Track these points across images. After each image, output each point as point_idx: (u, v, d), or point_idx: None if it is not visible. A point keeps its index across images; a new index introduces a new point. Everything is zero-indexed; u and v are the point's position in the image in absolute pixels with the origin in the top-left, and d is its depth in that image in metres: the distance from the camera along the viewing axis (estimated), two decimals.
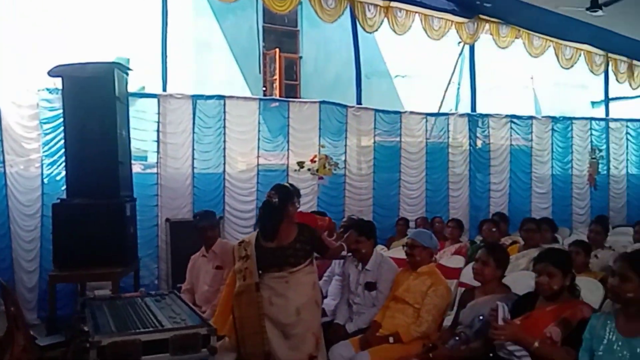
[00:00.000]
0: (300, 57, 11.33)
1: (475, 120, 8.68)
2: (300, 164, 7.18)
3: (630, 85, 9.73)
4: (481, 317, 3.20)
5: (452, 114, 8.78)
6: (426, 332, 3.54)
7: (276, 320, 3.29)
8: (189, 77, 9.59)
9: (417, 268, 3.82)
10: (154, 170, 6.61)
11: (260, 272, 3.35)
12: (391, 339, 3.52)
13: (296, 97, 9.88)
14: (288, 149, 7.24)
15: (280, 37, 11.25)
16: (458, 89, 10.45)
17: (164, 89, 6.74)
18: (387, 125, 8.04)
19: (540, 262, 2.92)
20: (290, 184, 3.82)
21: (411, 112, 8.39)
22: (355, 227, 4.19)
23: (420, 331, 3.53)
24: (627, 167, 9.64)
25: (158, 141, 6.56)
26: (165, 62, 6.80)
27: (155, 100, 6.58)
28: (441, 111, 9.14)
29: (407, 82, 11.16)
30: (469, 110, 8.91)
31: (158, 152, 6.57)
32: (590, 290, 3.68)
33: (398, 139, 8.14)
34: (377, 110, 7.99)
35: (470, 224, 8.10)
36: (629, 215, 9.35)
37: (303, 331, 3.29)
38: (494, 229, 5.66)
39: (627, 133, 9.63)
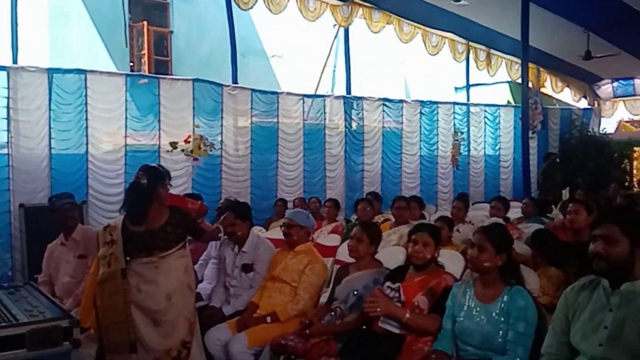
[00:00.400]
0: (171, 32, 10.81)
1: (350, 102, 8.89)
2: (173, 145, 6.86)
3: (488, 72, 10.56)
4: (355, 292, 3.28)
5: (329, 95, 8.92)
6: (303, 310, 3.55)
7: (145, 308, 3.09)
8: (44, 49, 8.72)
9: (294, 247, 3.83)
10: (4, 151, 5.92)
11: (127, 258, 3.12)
12: (268, 319, 3.49)
13: (167, 74, 9.43)
14: (159, 129, 6.87)
15: (148, 9, 10.62)
16: (334, 71, 10.63)
17: (15, 61, 6.05)
18: (264, 106, 7.95)
19: (418, 231, 3.06)
20: (160, 165, 3.59)
21: (288, 93, 8.38)
22: (231, 209, 4.08)
23: (297, 309, 3.54)
24: (484, 148, 10.49)
25: (8, 118, 5.88)
26: (16, 32, 6.10)
27: (5, 73, 5.88)
28: (318, 93, 9.23)
29: (284, 62, 11.12)
30: (344, 93, 9.10)
31: (8, 130, 5.89)
32: (452, 261, 3.92)
33: (275, 119, 8.10)
34: (254, 90, 7.86)
35: (346, 204, 8.33)
36: (486, 192, 10.21)
37: (175, 317, 3.13)
38: (368, 208, 5.83)
39: (485, 117, 10.46)
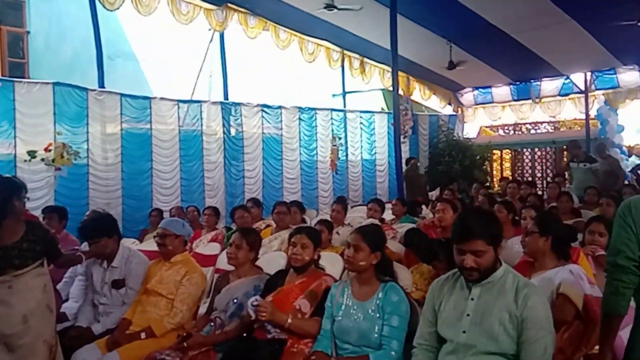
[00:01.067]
0: (28, 32, 9.92)
1: (228, 108, 8.76)
2: (32, 154, 6.26)
3: (363, 80, 10.98)
4: (235, 300, 3.18)
5: (205, 101, 8.71)
6: (181, 323, 3.38)
7: None
8: None
9: (170, 258, 3.63)
10: None
11: None
12: (143, 335, 3.27)
13: (24, 77, 8.64)
14: (15, 137, 6.26)
15: (1, 8, 9.65)
16: (210, 76, 10.42)
17: None
18: (135, 112, 7.57)
19: (297, 234, 3.05)
20: (14, 176, 3.25)
21: (162, 98, 8.06)
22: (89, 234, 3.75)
23: (174, 322, 3.35)
24: (361, 153, 10.88)
25: None
26: None
27: None
28: (194, 98, 8.98)
29: (157, 66, 10.67)
30: (222, 99, 8.94)
31: None
32: (332, 263, 3.97)
33: (148, 126, 7.74)
34: (123, 95, 7.46)
35: (226, 211, 8.17)
36: (364, 195, 10.59)
37: (32, 340, 2.82)
38: (245, 215, 5.76)
39: (360, 123, 10.85)
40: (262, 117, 9.25)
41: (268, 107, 9.39)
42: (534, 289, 2.27)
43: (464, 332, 2.25)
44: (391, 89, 9.58)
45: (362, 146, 10.90)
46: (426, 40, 9.38)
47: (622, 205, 2.22)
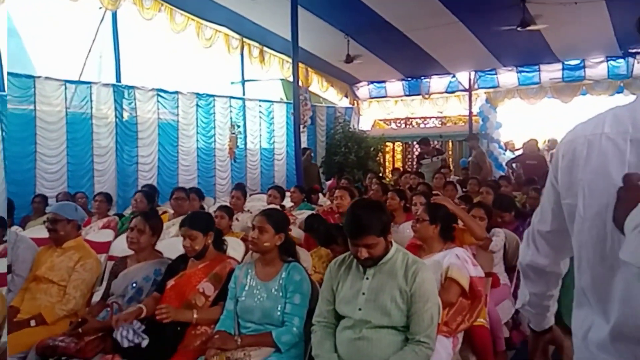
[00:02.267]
0: None
1: (120, 91, 8.37)
2: None
3: (262, 68, 10.97)
4: (134, 284, 3.13)
5: (95, 83, 8.24)
6: (74, 309, 3.25)
7: None
8: None
9: (62, 243, 3.48)
10: None
11: None
12: (33, 322, 3.11)
13: None
14: None
15: None
16: (100, 57, 9.87)
17: None
18: (18, 91, 7.02)
19: (181, 226, 3.05)
20: None
21: (47, 78, 7.52)
22: None
23: (67, 309, 3.22)
24: (260, 142, 10.90)
25: None
26: None
27: None
28: (82, 79, 8.46)
29: (42, 44, 9.92)
30: (114, 81, 8.52)
31: None
32: (234, 248, 4.01)
33: (32, 106, 7.21)
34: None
35: (118, 197, 7.84)
36: (262, 183, 10.64)
37: None
38: (139, 200, 5.61)
39: (260, 112, 10.86)
40: (158, 102, 8.94)
41: (164, 92, 9.09)
42: (422, 266, 2.50)
43: (359, 309, 2.43)
44: (290, 79, 9.70)
45: (261, 135, 10.91)
46: (325, 32, 9.58)
47: None
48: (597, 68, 10.34)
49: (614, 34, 8.87)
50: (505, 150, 12.10)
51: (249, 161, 10.62)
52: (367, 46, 10.15)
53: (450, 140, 12.91)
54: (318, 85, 12.07)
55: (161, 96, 8.98)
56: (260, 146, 10.92)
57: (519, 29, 8.17)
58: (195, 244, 2.97)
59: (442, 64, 11.03)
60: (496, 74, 11.29)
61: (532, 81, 11.00)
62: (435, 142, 12.20)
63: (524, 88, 11.24)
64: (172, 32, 9.25)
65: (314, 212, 5.38)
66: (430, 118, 13.45)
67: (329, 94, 12.59)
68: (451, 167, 9.81)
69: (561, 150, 1.33)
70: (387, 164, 13.31)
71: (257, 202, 7.36)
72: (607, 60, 10.24)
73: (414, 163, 13.17)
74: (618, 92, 10.60)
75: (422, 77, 11.94)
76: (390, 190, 5.44)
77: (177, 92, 9.33)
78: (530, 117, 12.42)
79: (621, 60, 10.14)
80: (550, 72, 10.71)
